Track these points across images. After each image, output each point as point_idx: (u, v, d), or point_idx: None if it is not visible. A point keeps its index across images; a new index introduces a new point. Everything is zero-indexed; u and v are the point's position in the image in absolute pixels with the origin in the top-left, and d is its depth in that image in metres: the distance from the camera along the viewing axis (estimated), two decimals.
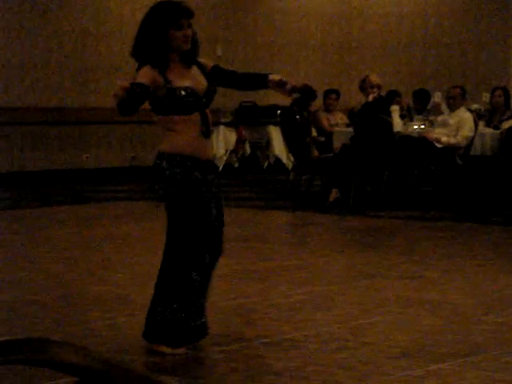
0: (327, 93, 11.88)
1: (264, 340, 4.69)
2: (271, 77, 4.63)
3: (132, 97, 4.16)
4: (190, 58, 4.52)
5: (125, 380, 1.30)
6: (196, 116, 4.45)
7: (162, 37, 4.39)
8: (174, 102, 4.41)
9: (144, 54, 4.41)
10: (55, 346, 1.36)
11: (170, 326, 4.43)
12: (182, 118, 4.43)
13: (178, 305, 4.43)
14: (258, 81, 4.69)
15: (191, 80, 4.47)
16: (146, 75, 4.35)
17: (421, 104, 11.79)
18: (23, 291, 5.80)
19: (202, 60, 4.60)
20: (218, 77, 4.62)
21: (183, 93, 4.41)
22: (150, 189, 4.61)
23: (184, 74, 4.48)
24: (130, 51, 4.48)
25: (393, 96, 11.34)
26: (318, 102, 11.66)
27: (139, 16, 13.32)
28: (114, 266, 6.66)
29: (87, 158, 13.34)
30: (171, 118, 4.44)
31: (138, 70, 4.43)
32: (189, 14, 4.46)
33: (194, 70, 4.53)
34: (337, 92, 11.94)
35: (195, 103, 4.45)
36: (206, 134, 4.50)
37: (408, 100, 12.31)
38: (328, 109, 11.72)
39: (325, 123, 11.51)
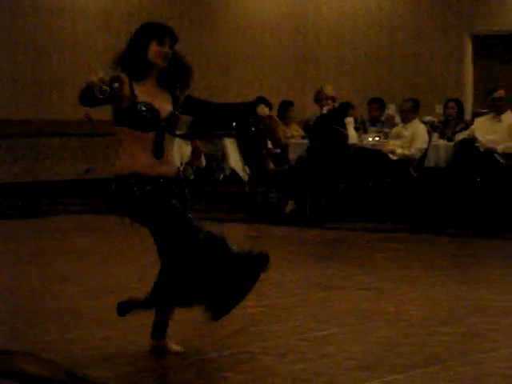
0: (286, 105, 11.88)
1: (221, 353, 4.66)
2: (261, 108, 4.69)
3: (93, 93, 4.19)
4: (166, 82, 4.53)
5: None
6: (151, 136, 4.45)
7: (142, 48, 4.50)
8: (131, 115, 4.43)
9: (123, 63, 4.49)
10: (16, 357, 1.33)
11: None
12: (135, 133, 4.43)
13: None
14: (244, 111, 4.74)
15: (157, 101, 4.49)
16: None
17: (377, 110, 11.75)
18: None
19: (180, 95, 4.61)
20: (190, 106, 4.65)
21: (143, 108, 4.43)
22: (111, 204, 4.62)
23: (152, 93, 4.51)
24: (113, 61, 4.54)
25: (346, 108, 11.37)
26: (273, 114, 11.68)
27: (92, 30, 13.22)
28: (67, 280, 6.59)
29: (88, 170, 13.15)
30: (124, 130, 4.45)
31: None
32: (173, 35, 4.59)
33: (165, 94, 4.55)
34: (293, 103, 11.99)
35: (153, 122, 4.45)
36: (157, 155, 4.48)
37: (362, 112, 12.37)
38: (285, 121, 11.73)
39: (281, 135, 11.50)
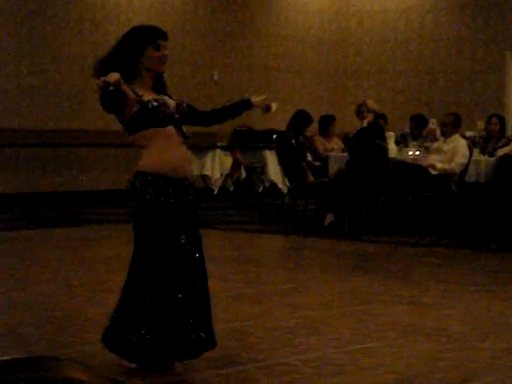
0: (328, 119, 11.87)
1: (259, 364, 4.67)
2: (254, 99, 4.71)
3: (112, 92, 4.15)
4: (161, 85, 4.51)
5: None
6: (171, 129, 4.41)
7: (136, 54, 4.39)
8: (146, 115, 4.34)
9: (115, 69, 4.29)
10: (61, 363, 1.35)
11: (140, 350, 4.34)
12: (156, 130, 4.36)
13: (148, 329, 4.34)
14: (240, 107, 4.74)
15: (159, 97, 4.46)
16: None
17: (417, 129, 11.83)
18: (17, 313, 5.78)
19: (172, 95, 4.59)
20: (190, 113, 4.63)
21: (155, 104, 4.35)
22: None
23: (153, 94, 4.46)
24: (94, 70, 4.40)
25: (379, 119, 11.36)
26: (314, 127, 11.71)
27: None
28: (108, 288, 6.64)
29: (82, 180, 13.34)
30: (145, 134, 4.36)
31: None
32: (164, 35, 4.51)
33: (165, 96, 4.52)
34: (335, 119, 12.02)
35: (167, 115, 4.39)
36: (186, 139, 4.46)
37: (403, 126, 12.35)
38: (327, 134, 11.74)
39: (320, 148, 11.54)
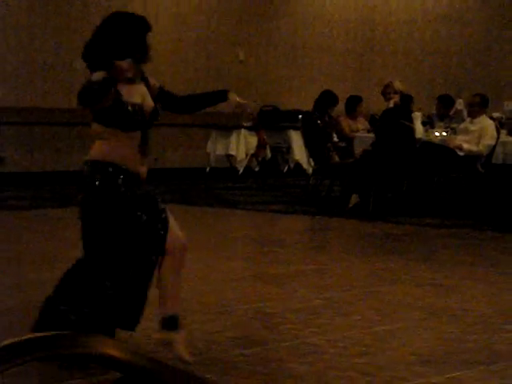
0: (355, 100, 11.73)
1: (284, 344, 4.69)
2: (231, 94, 4.56)
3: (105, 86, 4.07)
4: (142, 72, 4.42)
5: (171, 378, 1.30)
6: (137, 134, 4.32)
7: (139, 43, 4.30)
8: (119, 116, 4.23)
9: (106, 58, 4.19)
10: (97, 341, 1.37)
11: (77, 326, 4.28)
12: (123, 133, 4.26)
13: (90, 310, 4.31)
14: (215, 96, 4.58)
15: (140, 98, 4.33)
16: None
17: (444, 108, 11.73)
18: (46, 291, 5.82)
19: (149, 78, 4.47)
20: (164, 99, 4.51)
21: (131, 109, 4.24)
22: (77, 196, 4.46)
23: (134, 89, 4.32)
24: (84, 53, 4.31)
25: (409, 100, 11.27)
26: (340, 107, 11.66)
27: (163, 18, 13.23)
28: None
29: (156, 159, 13.31)
30: (110, 130, 4.26)
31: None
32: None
33: (142, 87, 4.38)
34: (362, 100, 11.89)
35: (140, 122, 4.30)
36: (143, 152, 4.39)
37: (429, 107, 12.28)
38: (353, 115, 11.64)
39: (346, 129, 11.49)
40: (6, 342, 1.40)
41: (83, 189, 4.34)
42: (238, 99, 4.55)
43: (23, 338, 1.43)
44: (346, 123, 11.55)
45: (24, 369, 1.31)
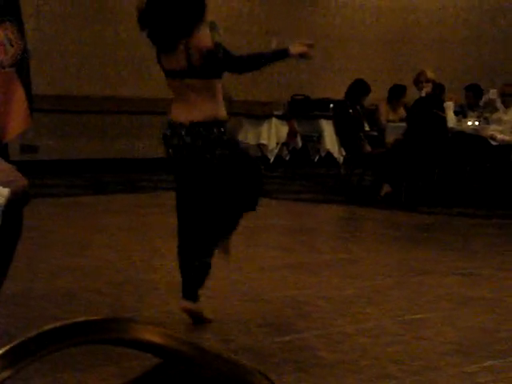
0: (398, 89, 11.34)
1: (316, 332, 4.70)
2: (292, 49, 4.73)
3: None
4: None
5: (214, 364, 1.31)
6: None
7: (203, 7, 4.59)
8: (219, 63, 4.58)
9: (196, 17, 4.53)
10: (138, 327, 1.38)
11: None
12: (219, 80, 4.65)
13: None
14: (278, 54, 4.80)
15: None
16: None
17: (474, 98, 11.61)
18: (78, 277, 5.89)
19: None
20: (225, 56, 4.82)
21: (221, 50, 4.60)
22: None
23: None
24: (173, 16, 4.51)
25: (442, 90, 11.14)
26: (372, 96, 11.58)
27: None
28: (166, 255, 6.72)
29: (143, 148, 13.40)
30: (218, 82, 4.62)
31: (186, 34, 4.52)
32: None
33: None
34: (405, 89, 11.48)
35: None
36: None
37: (460, 96, 12.18)
38: (395, 104, 11.35)
39: (382, 116, 11.27)
40: (46, 328, 1.42)
41: (222, 145, 4.61)
42: (297, 49, 4.70)
43: (64, 323, 1.45)
44: (384, 110, 11.36)
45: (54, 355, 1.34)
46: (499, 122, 10.22)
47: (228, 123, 4.70)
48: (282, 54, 4.75)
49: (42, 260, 6.40)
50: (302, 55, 4.67)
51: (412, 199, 10.05)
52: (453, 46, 15.41)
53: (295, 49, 4.68)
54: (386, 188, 10.30)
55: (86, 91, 13.01)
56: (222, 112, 4.65)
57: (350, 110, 10.92)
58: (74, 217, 8.74)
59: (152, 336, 1.34)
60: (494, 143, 10.08)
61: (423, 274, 6.29)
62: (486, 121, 10.50)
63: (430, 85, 10.24)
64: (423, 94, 10.21)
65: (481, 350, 4.44)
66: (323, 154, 14.42)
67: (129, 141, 13.40)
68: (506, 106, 10.29)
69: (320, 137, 14.32)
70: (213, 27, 4.63)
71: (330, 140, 13.73)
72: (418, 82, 10.32)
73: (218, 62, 4.55)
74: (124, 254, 6.71)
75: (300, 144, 14.30)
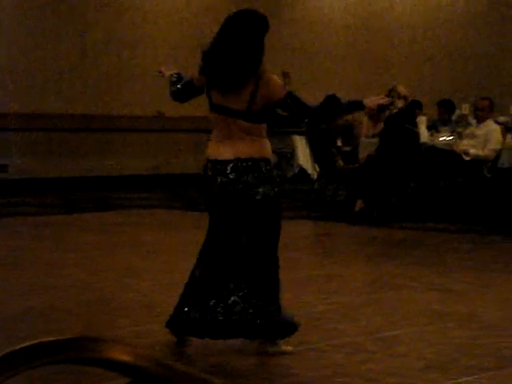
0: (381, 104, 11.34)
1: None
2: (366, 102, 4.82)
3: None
4: None
5: (183, 382, 1.28)
6: None
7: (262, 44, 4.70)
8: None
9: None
10: (105, 344, 1.34)
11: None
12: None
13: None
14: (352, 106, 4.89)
15: None
16: None
17: (445, 113, 11.68)
18: (51, 297, 5.81)
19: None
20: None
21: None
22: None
23: None
24: (241, 66, 4.50)
25: (415, 106, 11.20)
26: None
27: (161, 23, 13.20)
28: (139, 274, 6.66)
29: (158, 165, 13.35)
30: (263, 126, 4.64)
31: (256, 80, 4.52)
32: None
33: None
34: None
35: None
36: None
37: (432, 112, 12.24)
38: (376, 119, 11.36)
39: (363, 131, 11.24)
40: (15, 348, 1.38)
41: (272, 184, 4.57)
42: (374, 103, 4.71)
43: (33, 342, 1.42)
44: (366, 126, 11.33)
45: (31, 374, 1.29)
46: (472, 136, 10.25)
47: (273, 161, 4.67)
48: (357, 106, 4.78)
49: (14, 280, 6.32)
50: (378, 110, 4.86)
51: (385, 215, 10.04)
52: (424, 62, 15.48)
53: (372, 103, 4.72)
54: (360, 203, 10.29)
55: (55, 109, 12.92)
56: (268, 149, 4.61)
57: (323, 126, 10.92)
58: (45, 236, 8.65)
59: (120, 355, 1.31)
60: (466, 158, 10.11)
61: (397, 289, 6.27)
62: (459, 136, 10.54)
63: (403, 100, 10.25)
64: (395, 110, 10.23)
65: (455, 366, 4.41)
66: (297, 170, 14.41)
67: (100, 158, 13.32)
68: (479, 121, 10.33)
69: (293, 152, 14.33)
70: (285, 75, 4.69)
71: (304, 156, 13.74)
72: (390, 97, 10.31)
73: (292, 113, 4.56)
74: (96, 273, 6.64)
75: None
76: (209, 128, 13.07)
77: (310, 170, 13.63)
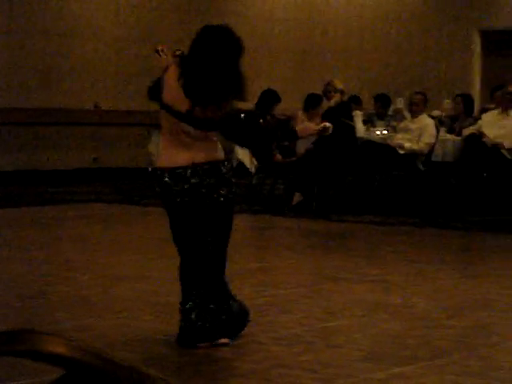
0: (313, 99, 11.39)
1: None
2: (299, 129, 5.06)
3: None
4: None
5: (117, 373, 1.30)
6: None
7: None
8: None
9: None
10: (41, 337, 1.36)
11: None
12: None
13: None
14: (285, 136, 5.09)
15: None
16: None
17: (382, 108, 11.83)
18: None
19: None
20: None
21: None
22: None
23: None
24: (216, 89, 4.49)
25: (354, 101, 11.34)
26: (282, 106, 11.66)
27: (100, 16, 13.14)
28: (76, 268, 6.64)
29: (47, 159, 13.24)
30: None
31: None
32: None
33: None
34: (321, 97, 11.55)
35: None
36: None
37: (369, 106, 12.38)
38: (311, 113, 11.43)
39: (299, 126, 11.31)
40: None
41: (227, 186, 4.63)
42: (307, 128, 4.85)
43: None
44: (300, 120, 11.42)
45: None
46: (406, 130, 10.41)
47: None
48: (291, 137, 4.96)
49: None
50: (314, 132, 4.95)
51: (323, 207, 10.15)
52: (359, 56, 15.63)
53: (304, 132, 4.86)
54: (298, 197, 10.38)
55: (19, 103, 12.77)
56: (221, 150, 4.64)
57: (261, 120, 10.95)
58: None
59: (54, 346, 1.33)
60: (401, 152, 10.26)
61: (335, 281, 6.36)
62: (394, 129, 10.69)
63: (339, 94, 10.36)
64: (332, 104, 10.33)
65: (390, 356, 4.51)
66: (235, 164, 14.43)
67: (34, 152, 13.19)
68: (413, 115, 10.49)
69: (231, 147, 14.33)
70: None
71: (242, 150, 13.76)
72: (327, 92, 10.43)
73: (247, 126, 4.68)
74: (33, 268, 6.60)
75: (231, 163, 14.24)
76: (143, 122, 12.89)
77: (248, 164, 13.67)
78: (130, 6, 14.26)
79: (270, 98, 11.20)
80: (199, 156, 4.53)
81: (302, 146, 10.73)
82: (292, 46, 15.93)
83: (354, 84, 14.53)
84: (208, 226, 4.59)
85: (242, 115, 4.64)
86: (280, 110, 11.84)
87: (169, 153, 4.55)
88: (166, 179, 4.52)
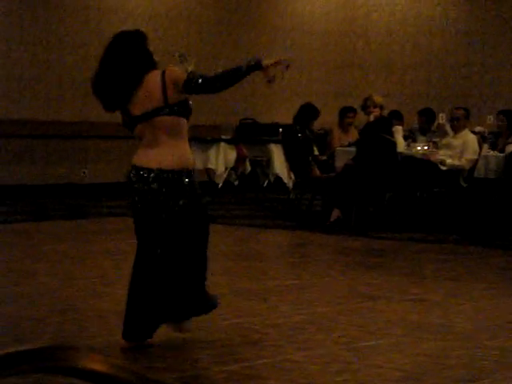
0: (343, 111, 11.54)
1: (265, 360, 4.59)
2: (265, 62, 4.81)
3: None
4: None
5: None
6: None
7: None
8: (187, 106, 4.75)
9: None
10: (79, 354, 1.29)
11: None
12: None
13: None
14: (251, 67, 4.79)
15: None
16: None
17: (426, 123, 11.65)
18: (21, 306, 5.71)
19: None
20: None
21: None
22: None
23: None
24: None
25: (395, 117, 11.21)
26: (322, 119, 11.55)
27: (115, 23, 13.04)
28: (112, 282, 6.57)
29: (84, 173, 13.26)
30: (186, 123, 4.71)
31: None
32: None
33: None
34: (354, 110, 11.56)
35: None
36: None
37: (411, 121, 12.23)
38: (343, 126, 11.42)
39: (335, 140, 11.26)
40: None
41: (186, 196, 4.64)
42: (270, 62, 4.70)
43: (3, 352, 1.35)
44: (336, 135, 11.34)
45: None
46: (448, 146, 10.25)
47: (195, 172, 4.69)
48: (255, 67, 4.71)
49: None
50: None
51: (362, 224, 10.00)
52: (401, 71, 15.49)
53: (269, 60, 4.70)
54: (336, 213, 10.24)
55: (28, 115, 12.79)
56: (190, 157, 4.67)
57: (299, 134, 10.87)
58: (15, 244, 8.54)
59: (93, 364, 1.26)
60: (443, 168, 10.09)
61: (374, 299, 6.22)
62: (436, 145, 10.52)
63: (378, 109, 10.23)
64: (372, 119, 10.20)
65: (431, 376, 4.37)
66: (272, 179, 14.35)
67: (72, 166, 13.20)
68: (456, 131, 10.32)
69: (269, 161, 14.26)
70: (182, 60, 4.68)
71: (279, 164, 13.68)
72: (366, 107, 10.30)
73: (197, 88, 4.53)
74: (68, 282, 6.54)
75: (249, 169, 14.22)
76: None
77: (285, 179, 13.57)
78: (159, 16, 14.25)
79: (308, 112, 11.11)
80: (167, 161, 4.58)
81: (340, 161, 10.60)
82: (332, 60, 15.84)
83: (396, 99, 14.40)
84: (160, 236, 4.65)
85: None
86: (319, 124, 11.75)
87: (142, 152, 4.69)
88: (131, 175, 4.67)
